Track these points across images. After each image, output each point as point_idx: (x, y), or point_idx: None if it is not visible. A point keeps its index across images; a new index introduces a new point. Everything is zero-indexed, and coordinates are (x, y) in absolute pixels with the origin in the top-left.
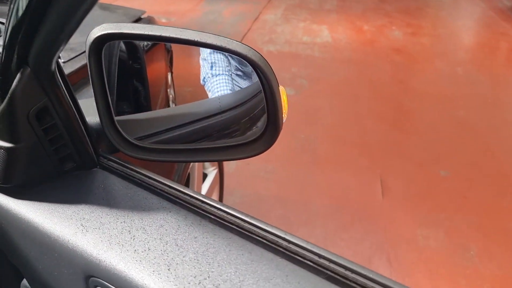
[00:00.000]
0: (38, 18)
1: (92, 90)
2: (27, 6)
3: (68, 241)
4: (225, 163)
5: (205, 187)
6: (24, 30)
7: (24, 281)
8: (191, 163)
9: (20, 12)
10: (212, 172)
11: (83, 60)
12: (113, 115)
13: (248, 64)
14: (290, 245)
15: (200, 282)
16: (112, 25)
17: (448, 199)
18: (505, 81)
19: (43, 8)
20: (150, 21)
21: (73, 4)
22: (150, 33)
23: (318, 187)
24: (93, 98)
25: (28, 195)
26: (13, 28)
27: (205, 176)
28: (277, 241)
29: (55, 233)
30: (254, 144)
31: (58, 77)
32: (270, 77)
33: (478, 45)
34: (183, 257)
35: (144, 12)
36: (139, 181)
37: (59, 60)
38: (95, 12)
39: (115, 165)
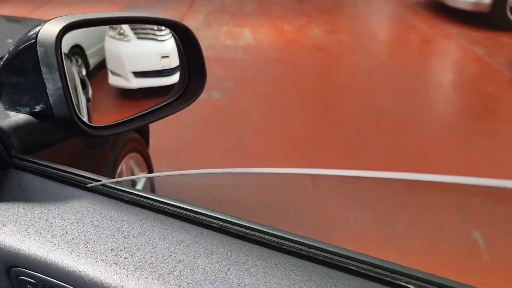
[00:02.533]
0: None
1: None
2: None
3: None
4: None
5: None
6: None
7: None
8: (121, 160)
9: None
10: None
11: None
12: (74, 104)
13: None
14: (197, 215)
15: (116, 254)
16: (67, 17)
17: (372, 181)
18: (417, 69)
19: None
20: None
21: None
22: (101, 16)
23: (249, 182)
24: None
25: None
26: None
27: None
28: (186, 213)
29: None
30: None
31: None
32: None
33: (391, 38)
34: (100, 235)
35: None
36: (54, 176)
37: None
38: (2, 24)
39: (29, 164)
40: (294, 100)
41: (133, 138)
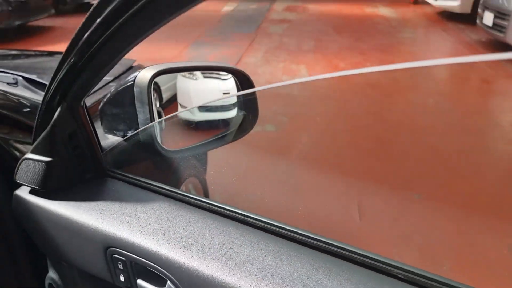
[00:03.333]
0: (78, 72)
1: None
2: (72, 64)
3: (91, 224)
4: None
5: None
6: (68, 78)
7: (49, 274)
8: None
9: (67, 67)
10: None
11: (95, 97)
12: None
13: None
14: (242, 217)
15: (185, 240)
16: (157, 66)
17: (421, 219)
18: (474, 108)
19: (83, 66)
20: (139, 67)
21: (101, 65)
22: (179, 66)
23: (298, 212)
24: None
25: (59, 196)
26: (62, 77)
27: None
28: (234, 215)
29: (80, 220)
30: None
31: (84, 111)
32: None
33: (447, 77)
34: (173, 227)
35: (134, 61)
36: (139, 184)
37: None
38: None
39: (118, 175)
40: (345, 136)
41: (193, 164)
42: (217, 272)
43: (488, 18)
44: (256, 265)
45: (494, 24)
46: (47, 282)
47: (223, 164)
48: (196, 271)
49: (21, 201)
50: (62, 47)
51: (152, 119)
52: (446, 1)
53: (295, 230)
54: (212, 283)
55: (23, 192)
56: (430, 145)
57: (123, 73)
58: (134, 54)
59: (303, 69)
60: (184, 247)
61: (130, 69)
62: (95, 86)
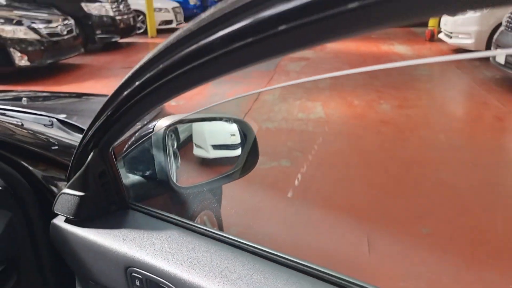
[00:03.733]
0: (112, 123)
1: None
2: (108, 116)
3: (115, 248)
4: None
5: None
6: (103, 128)
7: None
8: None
9: (104, 119)
10: None
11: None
12: (169, 171)
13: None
14: (235, 242)
15: (190, 261)
16: (172, 117)
17: (428, 254)
18: (486, 145)
19: (116, 119)
20: (162, 108)
21: (132, 119)
22: (189, 117)
23: (310, 246)
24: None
25: (89, 225)
26: (98, 126)
27: None
28: (230, 241)
29: (106, 245)
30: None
31: (112, 155)
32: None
33: (460, 114)
34: (181, 250)
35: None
36: (155, 215)
37: None
38: None
39: (138, 207)
40: (357, 171)
41: (208, 198)
42: (215, 286)
43: (500, 56)
44: (245, 281)
45: (506, 62)
46: None
47: (237, 198)
48: (198, 285)
49: (57, 228)
50: (90, 84)
51: (166, 162)
52: (461, 39)
53: (276, 253)
54: None
55: (59, 221)
56: (441, 180)
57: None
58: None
59: (319, 106)
60: (189, 266)
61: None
62: (123, 135)
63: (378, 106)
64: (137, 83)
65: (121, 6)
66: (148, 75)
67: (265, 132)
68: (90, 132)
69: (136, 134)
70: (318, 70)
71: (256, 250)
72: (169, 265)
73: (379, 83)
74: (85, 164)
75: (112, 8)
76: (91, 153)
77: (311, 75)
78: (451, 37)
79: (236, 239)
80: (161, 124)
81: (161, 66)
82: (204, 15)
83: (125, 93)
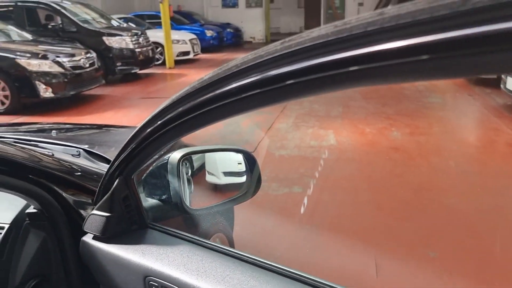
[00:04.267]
0: (135, 155)
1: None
2: (133, 148)
3: (135, 261)
4: None
5: None
6: (127, 159)
7: None
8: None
9: (129, 151)
10: None
11: None
12: (182, 195)
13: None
14: (229, 252)
15: (198, 270)
16: (185, 149)
17: (436, 277)
18: (496, 171)
19: (139, 151)
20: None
21: (152, 152)
22: (200, 149)
23: (318, 267)
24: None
25: (114, 241)
26: (123, 157)
27: None
28: (227, 252)
29: (128, 258)
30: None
31: (133, 182)
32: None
33: (471, 140)
34: (191, 262)
35: None
36: (169, 232)
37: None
38: None
39: (156, 226)
40: (367, 196)
41: (220, 222)
42: None
43: (510, 83)
44: (243, 286)
45: None
46: None
47: (250, 222)
48: None
49: (86, 245)
50: (110, 114)
51: (180, 187)
52: None
53: (270, 262)
54: None
55: (88, 238)
56: (449, 205)
57: None
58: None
59: (331, 134)
60: (197, 274)
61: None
62: (143, 165)
63: (389, 133)
64: (159, 122)
65: (140, 39)
66: (168, 116)
67: (278, 159)
68: (116, 162)
69: (154, 164)
70: (330, 99)
71: (254, 260)
72: (180, 273)
73: (391, 111)
74: (112, 189)
75: (132, 41)
76: (117, 180)
77: (323, 103)
78: None
79: (236, 251)
80: (176, 155)
81: (180, 109)
82: (216, 71)
83: (148, 130)
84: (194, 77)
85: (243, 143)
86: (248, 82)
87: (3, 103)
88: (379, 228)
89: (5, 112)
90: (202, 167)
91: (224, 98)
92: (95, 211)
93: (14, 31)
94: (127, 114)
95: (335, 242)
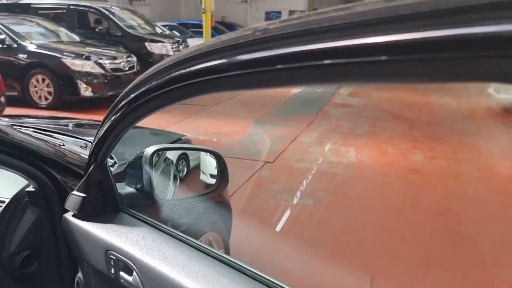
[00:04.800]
0: (104, 141)
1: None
2: (101, 136)
3: (101, 236)
4: None
5: None
6: (98, 145)
7: (79, 274)
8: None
9: (97, 138)
10: None
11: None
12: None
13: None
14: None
15: (159, 255)
16: (158, 145)
17: None
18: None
19: (106, 136)
20: (187, 141)
21: (116, 135)
22: (172, 146)
23: (309, 279)
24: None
25: (89, 220)
26: (93, 147)
27: None
28: (191, 243)
29: (98, 235)
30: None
31: (106, 168)
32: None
33: (495, 169)
34: (149, 242)
35: (183, 135)
36: (140, 219)
37: (109, 161)
38: (147, 136)
39: (129, 212)
40: (375, 214)
41: (215, 222)
42: (165, 269)
43: None
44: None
45: None
46: (76, 280)
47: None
48: (152, 267)
49: (66, 221)
50: None
51: (151, 178)
52: (509, 95)
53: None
54: (160, 275)
55: (68, 215)
56: (459, 231)
57: (175, 141)
58: (202, 127)
59: (352, 151)
60: (152, 253)
61: (178, 141)
62: (112, 151)
63: (411, 155)
64: (119, 110)
65: (181, 47)
66: (126, 100)
67: (296, 171)
68: (90, 150)
69: (133, 158)
70: (358, 117)
71: (216, 254)
72: (137, 251)
73: (418, 134)
74: (87, 173)
75: (172, 47)
76: (92, 166)
77: (350, 121)
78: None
79: (193, 240)
80: (149, 150)
81: (135, 93)
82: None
83: (112, 118)
84: None
85: (264, 153)
86: (210, 65)
87: (46, 99)
88: (380, 247)
89: (47, 107)
90: (197, 167)
91: (179, 81)
92: (74, 192)
93: (64, 32)
94: (159, 114)
95: (333, 256)
